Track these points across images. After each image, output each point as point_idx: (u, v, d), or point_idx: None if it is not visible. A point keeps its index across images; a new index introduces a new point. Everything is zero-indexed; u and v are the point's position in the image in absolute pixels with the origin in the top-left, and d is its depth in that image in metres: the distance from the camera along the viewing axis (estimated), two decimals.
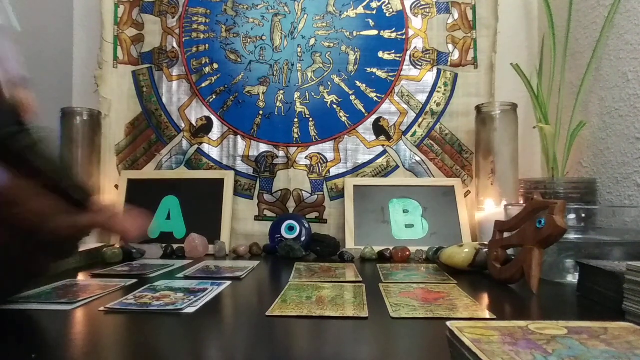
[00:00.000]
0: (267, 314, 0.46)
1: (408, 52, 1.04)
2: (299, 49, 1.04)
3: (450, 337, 0.30)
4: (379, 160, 1.02)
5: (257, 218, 1.01)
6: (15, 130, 0.36)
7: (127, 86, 1.05)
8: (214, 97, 1.04)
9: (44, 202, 0.38)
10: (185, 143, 1.04)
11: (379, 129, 1.03)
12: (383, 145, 1.03)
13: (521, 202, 0.88)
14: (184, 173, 1.02)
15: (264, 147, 1.03)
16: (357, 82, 1.03)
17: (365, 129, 1.03)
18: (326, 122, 1.03)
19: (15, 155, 0.35)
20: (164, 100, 1.05)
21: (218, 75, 1.05)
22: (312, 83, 1.04)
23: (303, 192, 1.01)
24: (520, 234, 0.60)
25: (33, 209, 0.37)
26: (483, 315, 0.46)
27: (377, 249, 0.85)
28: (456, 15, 1.04)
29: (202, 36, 1.05)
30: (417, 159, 1.02)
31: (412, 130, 1.03)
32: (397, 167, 1.02)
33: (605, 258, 0.60)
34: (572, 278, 0.62)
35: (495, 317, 0.46)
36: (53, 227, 0.40)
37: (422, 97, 1.03)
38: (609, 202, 0.84)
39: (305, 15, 1.05)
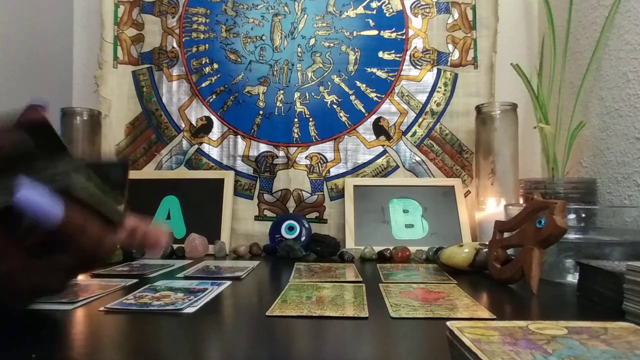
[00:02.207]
0: (267, 314, 0.46)
1: (408, 52, 1.04)
2: (299, 49, 1.04)
3: (450, 337, 0.30)
4: (379, 160, 1.02)
5: (257, 218, 1.01)
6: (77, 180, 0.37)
7: (127, 86, 1.05)
8: (214, 97, 1.04)
9: (99, 227, 0.39)
10: (185, 143, 1.04)
11: (379, 129, 1.03)
12: (383, 145, 1.03)
13: (521, 202, 0.88)
14: (184, 173, 1.02)
15: (264, 147, 1.03)
16: (357, 82, 1.04)
17: (365, 129, 1.03)
18: (326, 122, 1.03)
19: (64, 189, 0.36)
20: (164, 100, 1.05)
21: (218, 75, 1.05)
22: (312, 83, 1.04)
23: (303, 192, 1.01)
24: (520, 234, 0.60)
25: (93, 235, 0.38)
26: (483, 315, 0.46)
27: (377, 249, 0.85)
28: (456, 15, 1.04)
29: (202, 36, 1.05)
30: (417, 159, 1.02)
31: (412, 130, 1.03)
32: (397, 167, 1.02)
33: (605, 258, 0.60)
34: (572, 278, 0.62)
35: (495, 317, 0.46)
36: (106, 249, 0.41)
37: (422, 97, 1.03)
38: (609, 202, 0.84)
39: (305, 15, 1.05)
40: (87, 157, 0.40)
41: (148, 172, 1.03)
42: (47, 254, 0.37)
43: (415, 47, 1.04)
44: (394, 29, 1.04)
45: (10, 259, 0.35)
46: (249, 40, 1.05)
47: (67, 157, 0.39)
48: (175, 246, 0.89)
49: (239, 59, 1.05)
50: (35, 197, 0.33)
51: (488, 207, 0.90)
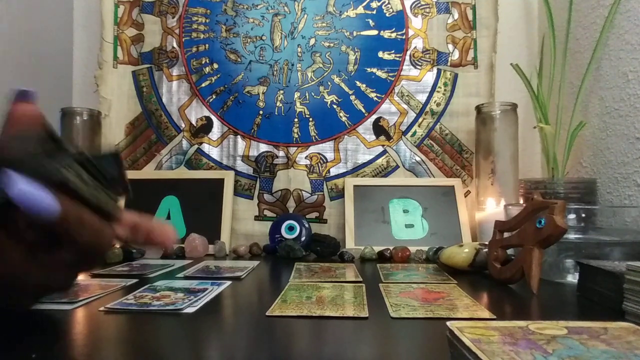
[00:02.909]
0: (267, 314, 0.46)
1: (408, 52, 1.04)
2: (299, 49, 1.04)
3: (450, 337, 0.30)
4: (379, 160, 1.02)
5: (257, 218, 1.01)
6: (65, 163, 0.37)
7: (127, 86, 1.05)
8: (214, 97, 1.04)
9: (96, 220, 0.38)
10: (185, 143, 1.04)
11: (379, 129, 1.03)
12: (383, 145, 1.03)
13: (521, 202, 0.88)
14: (184, 173, 1.02)
15: (264, 147, 1.03)
16: (357, 82, 1.04)
17: (365, 129, 1.03)
18: (326, 122, 1.03)
19: (59, 181, 0.35)
20: (164, 100, 1.05)
21: (218, 75, 1.05)
22: (312, 83, 1.04)
23: (303, 192, 1.01)
24: (520, 234, 0.60)
25: (91, 227, 0.37)
26: (483, 315, 0.46)
27: (377, 249, 0.85)
28: (456, 15, 1.04)
29: (202, 36, 1.05)
30: (417, 159, 1.02)
31: (412, 130, 1.03)
32: (397, 167, 1.02)
33: (605, 258, 0.60)
34: (572, 278, 0.62)
35: (495, 317, 0.46)
36: (105, 242, 0.40)
37: (422, 97, 1.03)
38: (609, 202, 0.84)
39: (305, 15, 1.05)
40: (79, 150, 0.39)
41: (148, 172, 1.03)
42: (47, 251, 0.37)
43: (415, 47, 1.04)
44: (394, 29, 1.04)
45: (11, 258, 0.35)
46: (249, 40, 1.05)
47: (59, 150, 0.39)
48: (175, 246, 0.89)
49: (239, 59, 1.05)
50: (30, 191, 0.32)
51: (488, 207, 0.90)
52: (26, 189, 0.32)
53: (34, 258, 0.36)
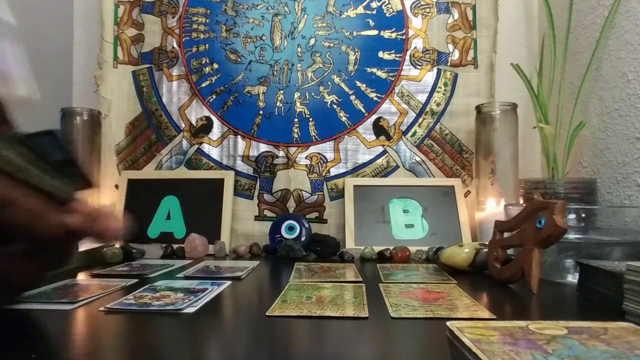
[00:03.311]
0: (267, 314, 0.46)
1: (408, 52, 1.04)
2: (299, 49, 1.04)
3: (450, 337, 0.30)
4: (379, 160, 1.02)
5: (257, 218, 1.01)
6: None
7: (127, 86, 1.05)
8: (214, 97, 1.04)
9: (33, 201, 0.37)
10: (185, 143, 1.04)
11: (379, 129, 1.03)
12: (383, 145, 1.03)
13: (521, 202, 0.88)
14: (184, 173, 1.02)
15: (264, 147, 1.03)
16: (357, 82, 1.04)
17: (365, 129, 1.03)
18: (326, 122, 1.03)
19: None
20: (164, 100, 1.05)
21: (218, 75, 1.05)
22: (312, 83, 1.04)
23: (303, 192, 1.01)
24: (520, 234, 0.60)
25: (26, 208, 0.36)
26: (483, 315, 0.46)
27: (377, 249, 0.85)
28: (456, 15, 1.04)
29: (202, 36, 1.05)
30: (417, 159, 1.02)
31: (412, 130, 1.03)
32: (397, 167, 1.02)
33: (605, 258, 0.60)
34: (572, 278, 0.62)
35: (495, 317, 0.46)
36: (45, 226, 0.39)
37: (422, 97, 1.03)
38: (609, 202, 0.84)
39: (305, 15, 1.05)
40: (18, 132, 0.38)
41: (148, 172, 1.03)
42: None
43: (415, 47, 1.04)
44: (394, 29, 1.04)
45: None
46: (249, 40, 1.05)
47: None
48: (175, 246, 0.89)
49: (239, 59, 1.05)
50: None
51: (488, 207, 0.90)
52: None
53: None
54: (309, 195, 1.01)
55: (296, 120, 1.03)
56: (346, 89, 1.03)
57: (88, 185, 0.45)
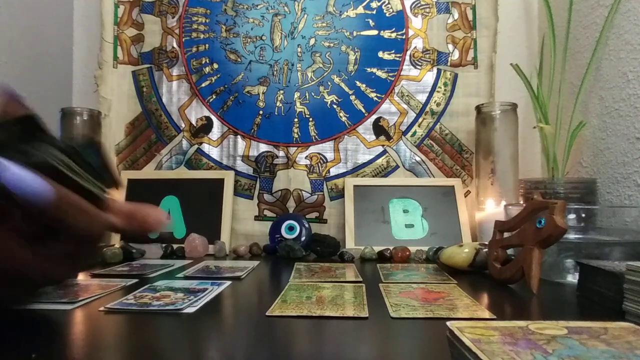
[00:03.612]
0: (267, 314, 0.46)
1: (408, 52, 1.04)
2: (299, 49, 1.04)
3: (450, 337, 0.30)
4: (379, 160, 1.02)
5: (257, 218, 1.01)
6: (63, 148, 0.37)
7: (127, 86, 1.05)
8: (214, 97, 1.04)
9: (90, 204, 0.38)
10: (185, 143, 1.04)
11: (379, 129, 1.03)
12: (383, 145, 1.03)
13: (521, 202, 0.88)
14: (184, 173, 1.02)
15: (264, 147, 1.03)
16: (357, 82, 1.04)
17: (365, 129, 1.03)
18: (326, 122, 1.03)
19: (50, 167, 0.35)
20: (164, 100, 1.05)
21: (218, 75, 1.05)
22: (312, 83, 1.04)
23: (303, 192, 1.01)
24: (520, 234, 0.60)
25: (85, 211, 0.37)
26: (483, 315, 0.46)
27: (377, 249, 0.85)
28: (456, 15, 1.04)
29: (202, 36, 1.05)
30: (417, 159, 1.02)
31: (412, 130, 1.03)
32: (397, 167, 1.02)
33: (605, 258, 0.60)
34: (572, 278, 0.62)
35: (495, 317, 0.46)
36: (98, 227, 0.40)
37: (422, 97, 1.03)
38: (609, 202, 0.84)
39: (305, 15, 1.05)
40: (64, 141, 0.39)
41: (148, 172, 1.03)
42: (44, 242, 0.37)
43: (415, 47, 1.04)
44: (393, 29, 1.04)
45: (10, 250, 0.34)
46: (249, 40, 1.05)
47: (45, 139, 0.38)
48: (175, 246, 0.89)
49: (239, 59, 1.05)
50: (23, 175, 0.32)
51: (488, 207, 0.90)
52: (18, 173, 0.32)
53: (32, 249, 0.36)
54: (309, 195, 1.01)
55: (296, 120, 1.03)
56: (346, 89, 1.03)
57: (118, 186, 0.46)
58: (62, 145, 0.39)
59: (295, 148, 1.03)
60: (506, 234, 0.65)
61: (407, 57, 1.04)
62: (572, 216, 0.70)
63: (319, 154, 1.03)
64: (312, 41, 1.04)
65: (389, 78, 1.04)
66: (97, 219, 0.39)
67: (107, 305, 0.48)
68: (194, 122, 1.04)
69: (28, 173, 0.33)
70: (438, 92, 1.03)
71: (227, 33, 1.05)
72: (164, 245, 0.88)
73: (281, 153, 1.03)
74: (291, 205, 1.01)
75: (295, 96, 1.03)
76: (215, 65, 1.05)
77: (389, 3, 1.05)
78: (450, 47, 1.04)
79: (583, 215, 0.70)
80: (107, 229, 0.41)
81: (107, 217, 0.42)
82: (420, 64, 1.04)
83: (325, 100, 1.03)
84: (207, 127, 1.04)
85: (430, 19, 1.04)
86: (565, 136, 0.89)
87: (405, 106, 1.03)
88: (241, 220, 1.00)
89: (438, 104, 1.03)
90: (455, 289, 0.58)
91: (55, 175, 0.35)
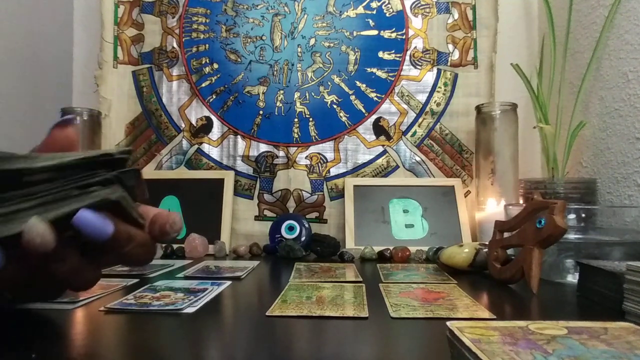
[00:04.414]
0: (267, 314, 0.46)
1: (408, 52, 1.04)
2: (299, 49, 1.04)
3: (450, 337, 0.30)
4: (379, 160, 1.02)
5: (257, 218, 1.01)
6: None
7: (127, 86, 1.05)
8: (214, 97, 1.04)
9: (141, 234, 0.40)
10: (185, 143, 1.04)
11: (379, 129, 1.03)
12: (383, 145, 1.03)
13: (521, 202, 0.88)
14: (184, 173, 1.02)
15: (264, 147, 1.03)
16: (357, 82, 1.04)
17: (365, 129, 1.03)
18: (326, 122, 1.03)
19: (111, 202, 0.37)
20: (164, 100, 1.05)
21: (218, 75, 1.05)
22: (312, 83, 1.04)
23: (303, 192, 1.01)
24: (520, 234, 0.60)
25: (139, 242, 0.39)
26: (483, 315, 0.46)
27: (377, 249, 0.85)
28: (456, 15, 1.04)
29: (202, 36, 1.05)
30: (417, 159, 1.02)
31: (412, 130, 1.03)
32: (397, 167, 1.02)
33: (605, 258, 0.60)
34: (572, 278, 0.62)
35: (495, 317, 0.46)
36: (152, 254, 0.42)
37: (422, 97, 1.03)
38: (609, 202, 0.84)
39: (305, 15, 1.05)
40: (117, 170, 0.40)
41: (148, 172, 1.02)
42: (96, 256, 0.39)
43: (415, 47, 1.04)
44: (394, 29, 1.04)
45: (71, 261, 0.37)
46: (249, 40, 1.05)
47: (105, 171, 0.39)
48: (175, 246, 0.89)
49: (239, 59, 1.05)
50: (90, 217, 0.34)
51: (488, 207, 0.90)
52: (86, 216, 0.34)
53: (85, 261, 0.38)
54: (309, 195, 1.01)
55: (296, 120, 1.03)
56: (346, 89, 1.03)
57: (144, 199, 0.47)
58: (115, 176, 0.39)
59: (296, 148, 1.03)
60: (506, 234, 0.65)
61: (407, 57, 1.04)
62: (572, 216, 0.70)
63: (319, 154, 1.03)
64: (312, 41, 1.04)
65: (389, 78, 1.04)
66: (149, 248, 0.41)
67: (107, 305, 0.48)
68: (194, 122, 1.04)
69: (94, 213, 0.35)
70: (438, 92, 1.03)
71: (227, 33, 1.05)
72: (164, 245, 0.88)
73: (281, 153, 1.03)
74: (291, 205, 1.01)
75: (295, 96, 1.03)
76: (215, 65, 1.05)
77: (389, 3, 1.05)
78: (450, 47, 1.04)
79: (583, 215, 0.70)
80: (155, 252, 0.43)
81: (155, 247, 0.43)
82: (420, 64, 1.04)
83: (325, 100, 1.03)
84: (207, 127, 1.04)
85: (430, 19, 1.04)
86: (565, 136, 0.89)
87: (405, 106, 1.03)
88: (241, 220, 1.00)
89: (438, 104, 1.03)
90: (455, 289, 0.58)
91: (114, 209, 0.36)
